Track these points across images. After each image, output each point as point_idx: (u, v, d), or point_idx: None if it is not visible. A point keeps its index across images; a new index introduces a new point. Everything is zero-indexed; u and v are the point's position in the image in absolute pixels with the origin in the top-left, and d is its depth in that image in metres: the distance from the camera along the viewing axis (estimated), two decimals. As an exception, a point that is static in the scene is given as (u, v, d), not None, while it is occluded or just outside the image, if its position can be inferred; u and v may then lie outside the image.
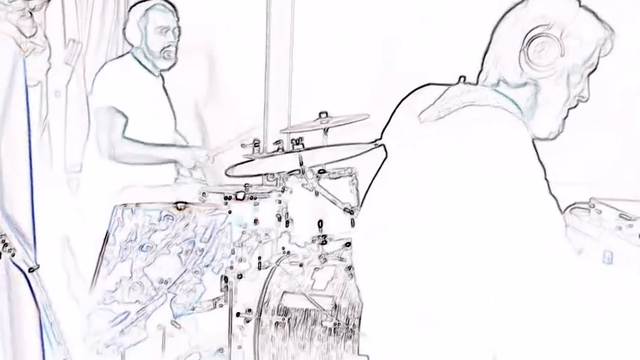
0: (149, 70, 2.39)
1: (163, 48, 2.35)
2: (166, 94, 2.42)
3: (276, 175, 2.19)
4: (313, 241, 2.09)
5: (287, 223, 2.11)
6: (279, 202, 2.11)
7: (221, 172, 2.25)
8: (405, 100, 1.70)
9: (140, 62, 2.37)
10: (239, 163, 2.14)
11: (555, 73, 1.58)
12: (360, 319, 1.89)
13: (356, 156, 2.08)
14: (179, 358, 2.08)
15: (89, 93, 2.36)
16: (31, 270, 2.03)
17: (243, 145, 2.20)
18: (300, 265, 2.11)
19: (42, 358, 2.05)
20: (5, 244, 1.99)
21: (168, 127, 2.42)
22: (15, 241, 2.01)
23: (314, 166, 2.11)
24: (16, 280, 2.03)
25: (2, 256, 1.99)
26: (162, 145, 2.37)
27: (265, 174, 2.24)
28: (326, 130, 2.18)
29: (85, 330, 2.01)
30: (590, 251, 1.69)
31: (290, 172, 2.15)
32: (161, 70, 2.41)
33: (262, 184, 2.30)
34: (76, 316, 2.06)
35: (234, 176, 2.16)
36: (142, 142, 2.33)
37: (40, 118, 2.31)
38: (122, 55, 2.42)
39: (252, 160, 2.16)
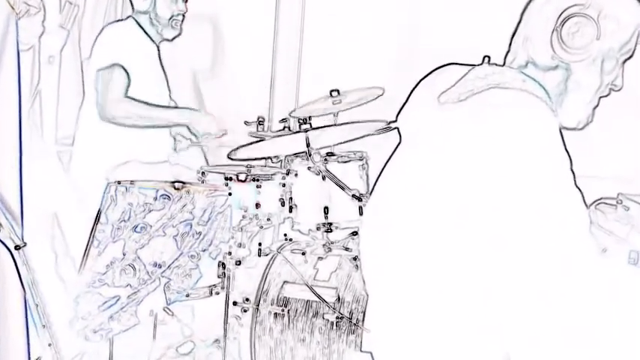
0: (150, 37, 2.37)
1: (172, 16, 2.34)
2: (161, 63, 2.40)
3: (281, 157, 2.17)
4: (318, 228, 2.08)
5: (290, 208, 2.09)
6: (283, 185, 2.10)
7: (222, 152, 2.23)
8: (423, 80, 1.68)
9: (142, 28, 2.35)
10: (242, 146, 2.11)
11: (589, 57, 1.56)
12: (364, 314, 1.88)
13: (367, 136, 2.06)
14: (171, 347, 2.08)
15: (86, 58, 2.34)
16: (17, 247, 2.03)
17: (246, 123, 2.18)
18: (303, 254, 2.10)
19: (26, 341, 2.05)
20: (-10, 219, 1.98)
21: (163, 97, 2.40)
22: (1, 216, 2.01)
23: (322, 148, 2.09)
24: (1, 258, 2.03)
25: (-13, 231, 1.99)
26: (164, 106, 2.35)
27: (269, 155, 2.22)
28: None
29: (73, 314, 2.01)
30: (614, 250, 1.67)
31: (296, 154, 2.12)
32: (163, 39, 2.39)
33: (265, 166, 2.28)
34: (63, 298, 2.07)
35: (236, 159, 2.14)
36: (146, 103, 2.32)
37: (31, 86, 2.30)
38: (123, 19, 2.40)
39: (257, 142, 2.13)
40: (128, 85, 2.30)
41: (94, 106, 2.32)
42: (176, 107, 2.39)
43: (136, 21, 2.36)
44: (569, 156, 1.51)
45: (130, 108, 2.30)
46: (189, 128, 2.35)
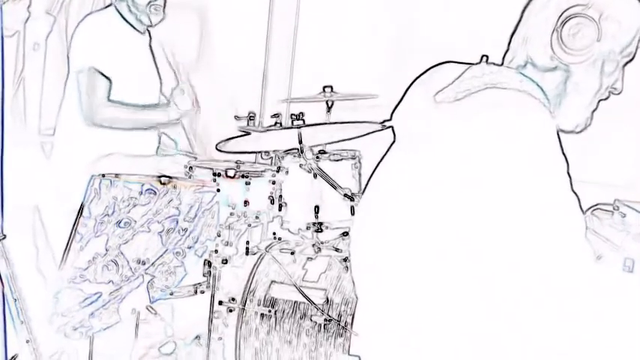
0: (133, 26, 2.33)
1: (150, 1, 2.30)
2: (152, 53, 2.37)
3: (272, 153, 2.16)
4: (308, 228, 2.08)
5: (280, 206, 2.09)
6: (273, 182, 2.09)
7: (211, 146, 2.22)
8: (419, 78, 1.68)
9: (123, 16, 2.31)
10: (231, 138, 2.11)
11: (589, 59, 1.57)
12: (353, 316, 1.87)
13: (361, 136, 2.05)
14: (152, 346, 2.07)
15: (69, 49, 2.31)
16: (-4, 240, 2.01)
17: (237, 118, 2.17)
18: (292, 254, 2.09)
19: (3, 337, 2.04)
20: (-31, 210, 1.97)
21: (154, 90, 2.37)
22: (-20, 207, 1.99)
23: (314, 146, 2.08)
24: (-21, 251, 2.02)
25: (-35, 222, 1.98)
26: (147, 105, 2.33)
27: (260, 151, 2.21)
28: (330, 107, 2.14)
29: (52, 310, 2.00)
30: (610, 257, 1.67)
31: (287, 151, 2.12)
32: (147, 27, 2.35)
33: (255, 162, 2.27)
34: (43, 293, 2.06)
35: (225, 152, 2.13)
36: (127, 104, 2.30)
37: (15, 73, 2.28)
38: (104, 8, 2.36)
39: (246, 134, 2.13)
40: (110, 87, 2.27)
41: (76, 101, 2.29)
42: (157, 105, 2.37)
43: (117, 9, 2.32)
44: (566, 159, 1.51)
45: (114, 113, 2.28)
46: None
